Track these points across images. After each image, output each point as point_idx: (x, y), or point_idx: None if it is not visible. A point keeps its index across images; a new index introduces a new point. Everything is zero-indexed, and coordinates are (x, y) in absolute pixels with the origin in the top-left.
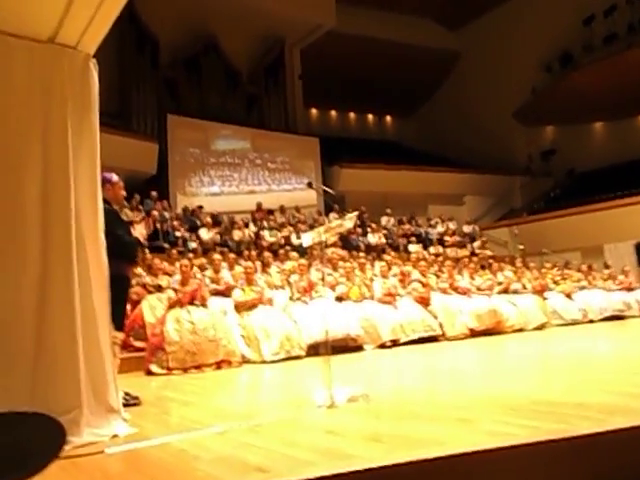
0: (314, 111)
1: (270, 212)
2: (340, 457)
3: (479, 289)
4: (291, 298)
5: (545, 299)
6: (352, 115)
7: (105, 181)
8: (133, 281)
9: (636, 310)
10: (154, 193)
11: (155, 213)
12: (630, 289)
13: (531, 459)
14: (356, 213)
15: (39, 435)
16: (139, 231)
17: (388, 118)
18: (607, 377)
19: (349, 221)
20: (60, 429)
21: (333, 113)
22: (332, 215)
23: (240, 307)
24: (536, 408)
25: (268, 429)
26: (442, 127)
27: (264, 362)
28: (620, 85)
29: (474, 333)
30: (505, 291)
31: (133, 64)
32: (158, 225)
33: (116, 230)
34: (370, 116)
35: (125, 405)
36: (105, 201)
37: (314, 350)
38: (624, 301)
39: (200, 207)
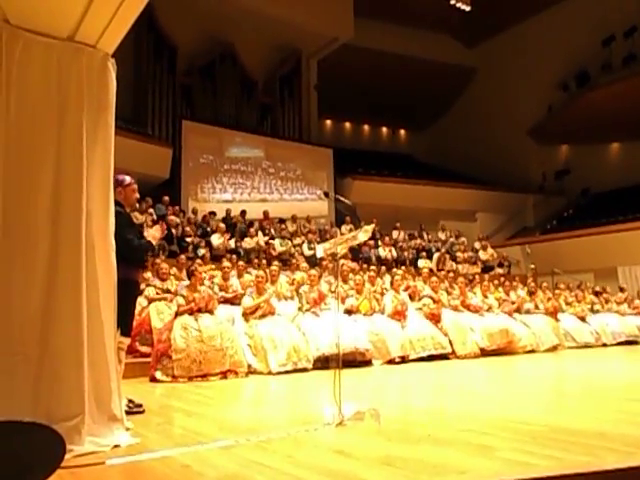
0: (328, 122)
1: (282, 221)
2: None
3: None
4: (300, 309)
5: (558, 321)
6: (366, 127)
7: (117, 183)
8: (142, 285)
9: None
10: (166, 198)
11: (172, 218)
12: None
13: None
14: (373, 226)
15: (38, 447)
16: (152, 234)
17: (402, 131)
18: (627, 406)
19: (364, 234)
20: (60, 441)
21: (347, 125)
22: (344, 227)
23: (248, 314)
24: (556, 436)
25: (276, 446)
26: (456, 142)
27: (270, 373)
28: (638, 106)
29: (485, 352)
30: (517, 310)
31: (150, 70)
32: (173, 230)
33: (126, 233)
34: (384, 129)
35: (128, 413)
36: (117, 203)
37: (321, 363)
38: (639, 326)
39: (212, 213)
